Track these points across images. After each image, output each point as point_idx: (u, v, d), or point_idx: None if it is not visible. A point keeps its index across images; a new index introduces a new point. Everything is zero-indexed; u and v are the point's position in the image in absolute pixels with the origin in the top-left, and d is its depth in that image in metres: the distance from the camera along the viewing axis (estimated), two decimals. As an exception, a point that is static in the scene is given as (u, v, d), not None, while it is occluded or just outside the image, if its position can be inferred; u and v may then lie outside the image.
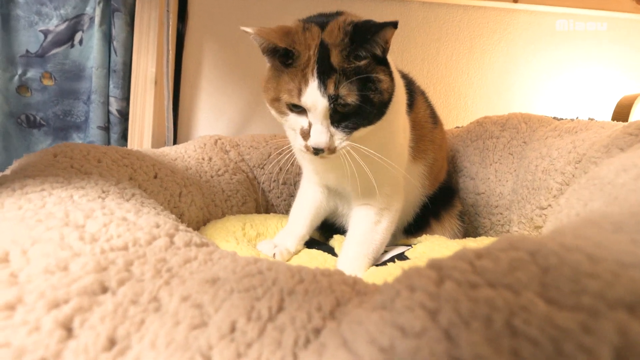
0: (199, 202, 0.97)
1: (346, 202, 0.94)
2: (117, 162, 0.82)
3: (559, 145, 0.91)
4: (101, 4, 1.58)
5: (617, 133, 0.70)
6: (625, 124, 0.74)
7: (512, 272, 0.29)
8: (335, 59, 0.68)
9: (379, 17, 1.71)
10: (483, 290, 0.28)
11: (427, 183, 0.99)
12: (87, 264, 0.43)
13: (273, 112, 0.78)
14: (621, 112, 1.54)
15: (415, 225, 1.02)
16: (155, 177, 0.88)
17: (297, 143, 0.76)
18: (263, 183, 1.31)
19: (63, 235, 0.47)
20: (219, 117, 1.76)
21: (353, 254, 0.83)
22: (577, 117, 1.04)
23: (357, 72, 0.69)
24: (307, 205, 0.95)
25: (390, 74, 0.74)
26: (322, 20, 0.73)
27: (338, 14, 0.77)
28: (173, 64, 1.68)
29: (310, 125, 0.72)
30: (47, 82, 1.68)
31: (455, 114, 1.73)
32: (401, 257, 0.84)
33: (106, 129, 1.61)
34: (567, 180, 0.83)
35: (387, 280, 0.41)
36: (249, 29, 0.70)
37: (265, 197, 1.31)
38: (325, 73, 0.68)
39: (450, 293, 0.29)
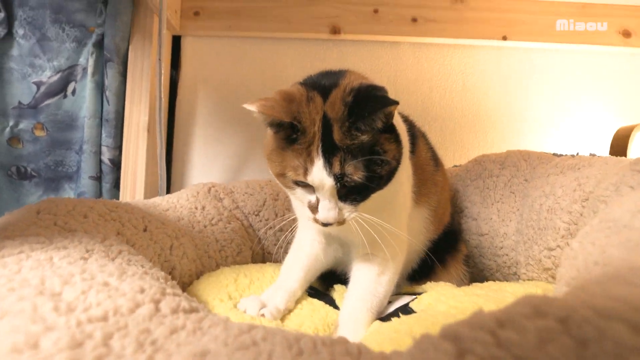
0: (192, 254, 0.93)
1: (347, 250, 0.90)
2: (104, 216, 0.78)
3: (563, 182, 0.88)
4: (94, 55, 1.59)
5: (624, 170, 0.68)
6: (632, 160, 0.72)
7: (543, 346, 0.25)
8: (337, 135, 0.66)
9: (372, 57, 1.74)
10: (512, 371, 0.24)
11: (432, 227, 0.95)
12: (60, 339, 0.39)
13: (279, 183, 0.75)
14: (618, 144, 1.53)
15: (420, 271, 0.97)
16: (145, 230, 0.84)
17: (304, 215, 0.74)
18: (259, 230, 1.27)
19: (36, 305, 0.43)
20: (213, 165, 1.74)
21: (355, 309, 0.78)
22: (577, 153, 1.02)
23: (361, 149, 0.66)
24: (302, 257, 0.89)
25: (396, 138, 0.71)
26: (324, 86, 0.70)
27: (341, 74, 0.74)
28: (166, 112, 1.68)
29: (318, 200, 0.70)
30: (39, 133, 1.66)
31: (452, 152, 1.72)
32: (406, 309, 0.79)
33: (98, 178, 1.58)
34: (575, 219, 0.80)
35: (396, 348, 0.37)
36: (251, 107, 0.67)
37: (262, 246, 1.26)
38: (329, 151, 0.66)
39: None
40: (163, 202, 1.09)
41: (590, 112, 1.74)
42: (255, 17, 1.72)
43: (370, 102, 0.66)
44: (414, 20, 1.73)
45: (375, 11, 1.72)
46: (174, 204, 1.09)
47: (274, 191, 1.32)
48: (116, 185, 1.61)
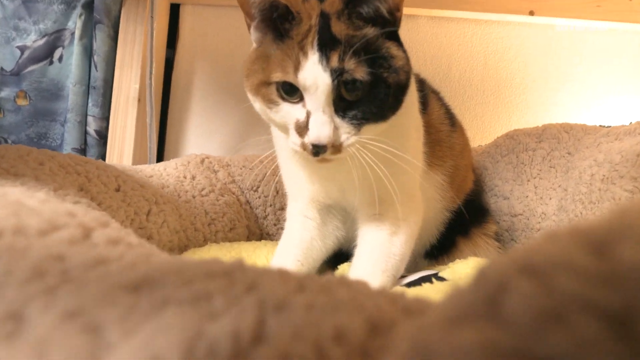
0: (174, 225, 0.78)
1: (351, 222, 0.75)
2: (67, 168, 0.64)
3: (621, 148, 0.74)
4: (83, 16, 1.45)
5: None
6: None
7: None
8: (337, 26, 0.56)
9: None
10: None
11: (449, 195, 0.82)
12: None
13: (258, 104, 0.62)
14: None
15: (439, 247, 0.84)
16: (118, 190, 0.70)
17: (290, 141, 0.60)
18: (257, 208, 1.12)
19: None
20: (209, 141, 1.59)
21: (367, 272, 0.64)
22: (630, 123, 0.87)
23: (365, 44, 0.56)
24: (293, 248, 0.75)
25: (405, 52, 0.61)
26: None
27: None
28: (161, 81, 1.53)
29: (308, 115, 0.56)
30: (22, 101, 1.53)
31: (473, 134, 1.56)
32: (435, 278, 0.64)
33: (82, 151, 1.44)
34: (643, 186, 0.65)
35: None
36: None
37: (259, 225, 1.11)
38: (327, 45, 0.55)
39: None
40: (147, 168, 0.94)
41: (626, 95, 1.59)
42: (260, -17, 1.58)
43: None
44: (433, -9, 1.58)
45: (391, -20, 1.58)
46: (160, 172, 0.94)
47: (276, 166, 1.17)
48: (102, 160, 1.47)
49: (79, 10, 1.47)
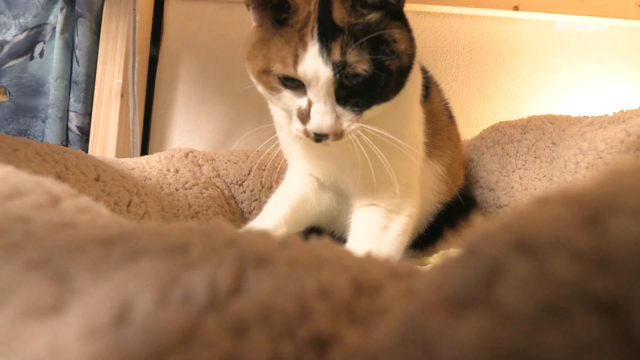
0: (156, 216, 0.77)
1: (345, 203, 0.75)
2: (43, 155, 0.62)
3: (605, 136, 0.74)
4: (64, 10, 1.42)
5: None
6: None
7: None
8: (338, 13, 0.54)
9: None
10: None
11: (444, 187, 0.81)
12: None
13: (260, 88, 0.61)
14: None
15: (426, 237, 0.84)
16: (97, 179, 0.68)
17: (293, 127, 0.59)
18: (242, 203, 1.11)
19: None
20: (195, 138, 1.58)
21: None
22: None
23: (367, 31, 0.54)
24: (290, 193, 0.74)
25: (409, 32, 0.60)
26: None
27: None
28: (145, 76, 1.51)
29: (310, 104, 0.56)
30: (1, 97, 1.49)
31: (459, 128, 1.57)
32: None
33: (64, 147, 1.41)
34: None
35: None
36: None
37: (245, 219, 1.10)
38: (328, 34, 0.53)
39: None
40: (130, 161, 0.92)
41: (608, 91, 1.60)
42: (245, -22, 1.56)
43: None
44: (419, -14, 1.58)
45: (377, -25, 1.57)
46: (142, 164, 0.92)
47: (262, 160, 1.16)
48: (85, 156, 1.44)
49: (60, 4, 1.44)
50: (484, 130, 1.13)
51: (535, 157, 0.92)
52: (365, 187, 0.68)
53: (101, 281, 0.16)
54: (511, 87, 1.61)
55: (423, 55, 1.60)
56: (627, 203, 0.15)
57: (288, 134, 0.66)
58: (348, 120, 0.56)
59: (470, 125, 1.59)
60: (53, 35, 1.46)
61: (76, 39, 1.40)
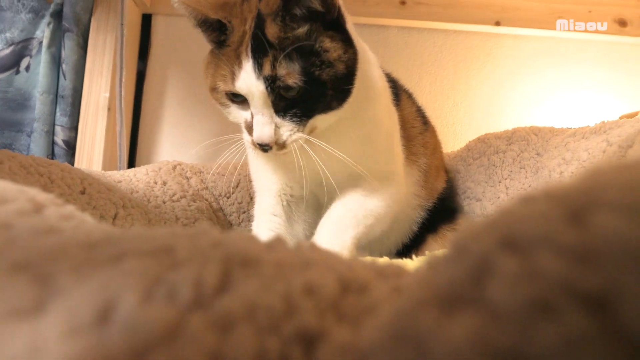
0: (144, 229, 0.76)
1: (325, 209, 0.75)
2: (28, 168, 0.61)
3: (587, 146, 0.76)
4: (51, 25, 1.42)
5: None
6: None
7: None
8: (271, 29, 0.56)
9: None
10: None
11: (424, 193, 0.83)
12: None
13: (215, 104, 0.66)
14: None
15: (410, 245, 0.85)
16: (83, 192, 0.67)
17: (244, 139, 0.64)
18: (230, 215, 1.10)
19: None
20: (183, 150, 1.57)
21: (337, 225, 0.64)
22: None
23: (297, 45, 0.56)
24: (271, 220, 0.75)
25: (344, 41, 0.59)
26: None
27: None
28: (132, 90, 1.51)
29: (252, 116, 0.59)
30: (-15, 112, 1.47)
31: (445, 140, 1.58)
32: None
33: (49, 162, 1.39)
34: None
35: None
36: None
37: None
38: (261, 51, 0.56)
39: None
40: (116, 174, 0.92)
41: (587, 102, 1.64)
42: (233, -7, 1.58)
43: None
44: (403, 2, 1.61)
45: (363, -9, 1.60)
46: (129, 177, 0.92)
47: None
48: (71, 171, 1.43)
49: (47, 19, 1.44)
50: (470, 141, 1.15)
51: (521, 168, 0.93)
52: (338, 183, 0.68)
53: (84, 281, 0.16)
54: (495, 99, 1.64)
55: (409, 69, 1.63)
56: (609, 198, 0.15)
57: (247, 148, 0.68)
58: (289, 131, 0.58)
59: (456, 137, 1.61)
60: (40, 50, 1.46)
61: (63, 53, 1.40)
